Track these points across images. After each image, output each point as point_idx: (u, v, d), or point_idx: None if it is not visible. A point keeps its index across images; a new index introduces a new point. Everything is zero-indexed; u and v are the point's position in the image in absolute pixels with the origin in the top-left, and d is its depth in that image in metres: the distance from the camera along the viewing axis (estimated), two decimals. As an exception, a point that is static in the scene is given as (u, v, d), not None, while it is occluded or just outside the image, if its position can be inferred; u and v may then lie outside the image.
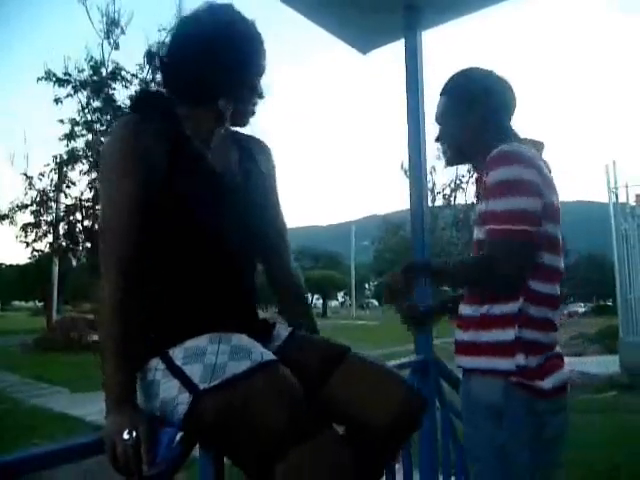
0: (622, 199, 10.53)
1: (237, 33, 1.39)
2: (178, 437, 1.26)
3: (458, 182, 33.07)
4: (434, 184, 32.18)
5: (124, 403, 1.17)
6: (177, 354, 1.24)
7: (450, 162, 1.71)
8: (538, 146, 1.59)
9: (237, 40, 1.39)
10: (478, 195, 1.64)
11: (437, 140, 1.69)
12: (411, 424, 1.47)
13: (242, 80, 1.41)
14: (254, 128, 1.56)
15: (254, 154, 1.55)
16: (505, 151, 1.45)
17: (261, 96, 1.48)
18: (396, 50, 2.64)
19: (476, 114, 1.58)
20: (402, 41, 2.60)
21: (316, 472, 1.14)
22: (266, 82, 1.48)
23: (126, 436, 1.10)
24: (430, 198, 32.95)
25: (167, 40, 1.45)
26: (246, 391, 1.18)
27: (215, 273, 1.38)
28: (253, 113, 1.50)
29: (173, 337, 1.27)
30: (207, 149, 1.43)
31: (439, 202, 32.95)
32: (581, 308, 53.37)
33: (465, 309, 1.57)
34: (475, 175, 1.71)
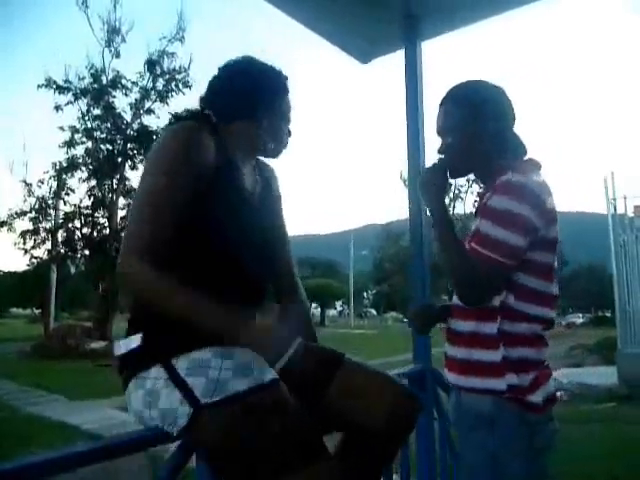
0: (621, 210, 10.55)
1: (266, 73, 1.60)
2: (175, 445, 1.26)
3: (457, 192, 33.26)
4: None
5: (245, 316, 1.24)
6: (181, 365, 1.23)
7: (453, 174, 1.68)
8: (537, 166, 1.60)
9: (265, 79, 1.58)
10: (477, 211, 1.64)
11: (440, 152, 1.69)
12: (407, 424, 1.52)
13: (269, 113, 1.56)
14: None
15: (269, 179, 1.67)
16: (512, 182, 1.46)
17: (289, 134, 1.64)
18: (397, 59, 2.66)
19: (477, 125, 1.58)
20: (402, 51, 2.61)
21: None
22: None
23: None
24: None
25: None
26: (246, 410, 1.18)
27: (231, 286, 1.38)
28: (285, 146, 1.64)
29: (178, 347, 1.26)
30: (243, 167, 1.53)
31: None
32: (579, 319, 53.35)
33: (455, 323, 1.58)
34: (478, 189, 1.73)
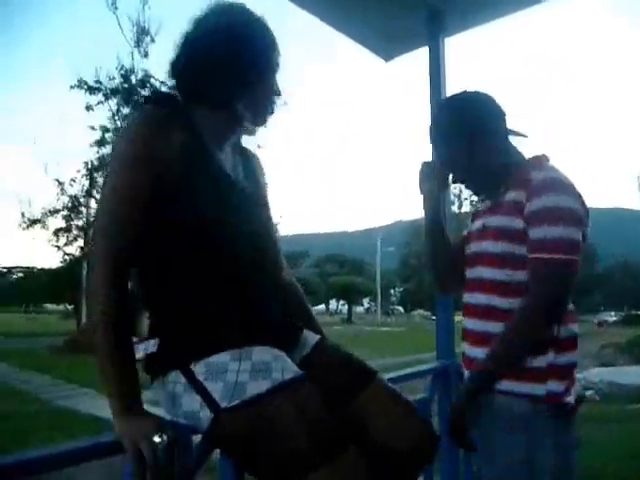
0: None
1: (252, 32, 1.38)
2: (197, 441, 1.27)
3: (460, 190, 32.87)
4: (460, 190, 32.04)
5: (135, 407, 1.14)
6: (199, 369, 1.21)
7: (455, 179, 1.73)
8: (549, 160, 1.60)
9: (253, 40, 1.37)
10: (491, 207, 1.62)
11: (442, 161, 1.71)
12: (426, 457, 1.46)
13: (260, 79, 1.39)
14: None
15: (252, 164, 1.55)
16: (549, 179, 1.46)
17: (278, 93, 1.46)
18: (420, 55, 2.65)
19: (472, 140, 1.58)
20: (426, 48, 2.59)
21: None
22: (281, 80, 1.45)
23: (157, 439, 1.07)
24: (457, 204, 32.82)
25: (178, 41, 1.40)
26: (266, 412, 1.17)
27: (234, 281, 1.34)
28: (272, 112, 1.47)
29: (195, 350, 1.24)
30: (220, 153, 1.40)
31: (466, 208, 32.74)
32: (611, 317, 52.33)
33: (481, 325, 1.55)
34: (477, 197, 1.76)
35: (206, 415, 1.18)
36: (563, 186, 1.45)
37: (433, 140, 1.70)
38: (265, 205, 1.54)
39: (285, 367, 1.24)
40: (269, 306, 1.39)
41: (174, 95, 1.42)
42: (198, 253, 1.30)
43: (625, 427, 6.23)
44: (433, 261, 1.81)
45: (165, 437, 1.08)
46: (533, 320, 1.42)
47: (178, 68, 1.40)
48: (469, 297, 1.62)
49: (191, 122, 1.33)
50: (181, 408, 1.23)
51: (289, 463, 1.15)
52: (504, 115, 1.63)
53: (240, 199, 1.38)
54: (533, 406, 1.44)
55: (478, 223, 1.66)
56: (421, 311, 66.00)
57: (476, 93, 1.65)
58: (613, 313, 55.95)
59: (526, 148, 1.65)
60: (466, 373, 1.61)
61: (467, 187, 1.72)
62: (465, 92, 1.67)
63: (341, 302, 63.65)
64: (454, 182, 1.74)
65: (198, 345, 1.25)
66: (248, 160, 1.54)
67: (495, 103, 1.63)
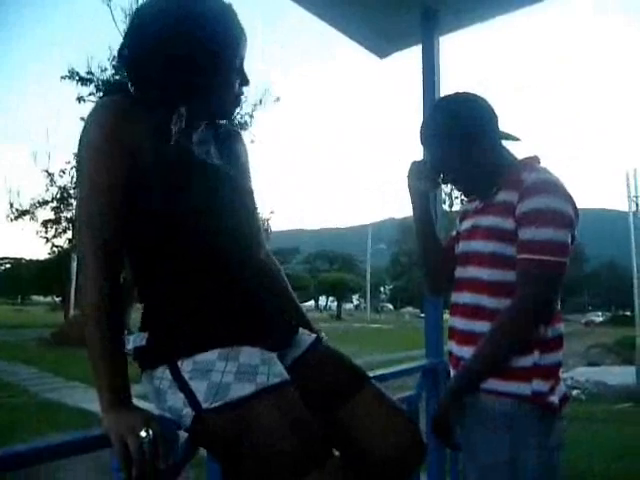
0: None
1: (206, 12, 1.25)
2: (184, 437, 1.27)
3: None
4: (452, 189, 32.17)
5: (125, 401, 1.14)
6: (185, 367, 1.19)
7: (465, 192, 1.75)
8: (539, 162, 1.61)
9: (206, 19, 1.24)
10: (482, 207, 1.62)
11: (434, 166, 1.70)
12: (412, 465, 1.44)
13: (216, 65, 1.27)
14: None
15: (231, 144, 1.46)
16: (542, 180, 1.47)
17: (245, 83, 1.35)
18: (414, 53, 2.65)
19: (465, 141, 1.59)
20: (420, 46, 2.60)
21: None
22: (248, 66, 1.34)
23: (143, 434, 1.07)
24: (448, 203, 32.96)
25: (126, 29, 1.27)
26: (248, 415, 1.14)
27: (222, 274, 1.31)
28: (238, 103, 1.38)
29: (183, 348, 1.22)
30: (190, 142, 1.31)
31: (457, 207, 32.85)
32: (598, 317, 52.78)
33: (476, 325, 1.54)
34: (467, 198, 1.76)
35: (188, 413, 1.16)
36: (554, 188, 1.46)
37: (425, 140, 1.69)
38: (245, 186, 1.44)
39: (272, 371, 1.21)
40: (261, 305, 1.35)
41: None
42: (181, 245, 1.27)
43: (611, 427, 6.30)
44: (423, 261, 1.82)
45: (151, 432, 1.07)
46: (520, 320, 1.43)
47: (123, 56, 1.30)
48: (457, 296, 1.63)
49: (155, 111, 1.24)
50: (166, 403, 1.21)
51: (270, 468, 1.13)
52: (496, 117, 1.63)
53: (215, 184, 1.31)
54: (518, 405, 1.44)
55: (468, 223, 1.66)
56: (410, 309, 66.19)
57: (469, 94, 1.65)
58: (600, 313, 56.48)
59: (516, 148, 1.66)
60: (452, 372, 1.62)
61: (457, 188, 1.72)
62: (458, 93, 1.67)
63: (330, 299, 63.68)
64: (444, 182, 1.74)
65: (186, 342, 1.23)
66: (226, 140, 1.45)
67: (488, 105, 1.63)
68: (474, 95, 1.65)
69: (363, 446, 1.36)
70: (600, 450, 4.96)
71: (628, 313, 44.09)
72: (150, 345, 1.24)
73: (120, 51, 1.29)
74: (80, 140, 1.22)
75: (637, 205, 10.31)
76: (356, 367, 1.47)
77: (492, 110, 1.63)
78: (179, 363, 1.20)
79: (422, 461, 1.46)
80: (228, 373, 1.17)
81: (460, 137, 1.58)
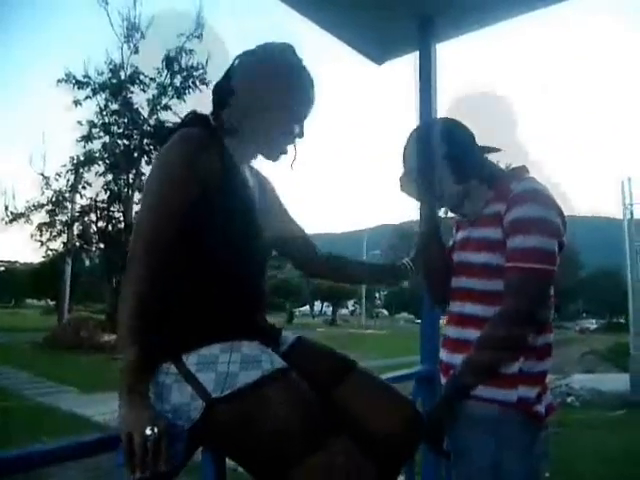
0: (638, 216, 10.46)
1: (280, 69, 1.47)
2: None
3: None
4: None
5: (140, 396, 1.15)
6: (191, 360, 1.24)
7: (453, 209, 1.76)
8: (528, 172, 1.63)
9: (277, 75, 1.46)
10: (474, 220, 1.64)
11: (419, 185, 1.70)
12: (411, 443, 1.50)
13: (270, 110, 1.46)
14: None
15: (264, 183, 1.65)
16: (530, 190, 1.49)
17: (298, 136, 1.54)
18: (412, 60, 2.65)
19: (455, 161, 1.62)
20: (417, 52, 2.60)
21: (332, 478, 1.17)
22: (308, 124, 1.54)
23: (149, 432, 1.08)
24: (442, 210, 32.98)
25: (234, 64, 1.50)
26: (259, 399, 1.20)
27: (236, 283, 1.39)
28: (284, 151, 1.55)
29: (187, 342, 1.27)
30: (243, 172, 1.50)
31: (451, 214, 32.93)
32: (593, 324, 52.92)
33: (465, 332, 1.56)
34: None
35: (198, 406, 1.20)
36: (541, 197, 1.48)
37: (412, 164, 1.69)
38: (278, 211, 1.70)
39: (273, 359, 1.30)
40: (258, 308, 1.47)
41: (207, 117, 1.49)
42: (206, 256, 1.35)
43: (605, 434, 6.30)
44: (427, 273, 1.80)
45: (156, 430, 1.09)
46: (507, 328, 1.44)
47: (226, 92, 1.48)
48: (452, 306, 1.65)
49: (223, 142, 1.43)
50: (169, 402, 1.24)
51: (285, 448, 1.17)
52: (473, 136, 1.67)
53: (254, 212, 1.47)
54: (503, 411, 1.45)
55: (461, 234, 1.69)
56: (405, 314, 66.23)
57: (448, 119, 1.71)
58: (594, 320, 56.60)
59: (511, 157, 1.67)
60: (443, 380, 1.63)
61: (445, 205, 1.74)
62: (438, 119, 1.75)
63: (325, 304, 63.65)
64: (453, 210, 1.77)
65: (190, 337, 1.29)
66: (261, 180, 1.64)
67: (463, 126, 1.67)
68: (451, 119, 1.70)
69: (360, 424, 1.40)
70: (594, 457, 4.97)
71: (622, 320, 44.23)
72: (154, 343, 1.26)
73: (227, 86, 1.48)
74: (155, 167, 1.37)
75: (631, 213, 10.35)
76: (342, 355, 1.55)
77: (469, 131, 1.67)
78: (184, 358, 1.25)
79: (420, 434, 1.51)
80: (234, 363, 1.24)
81: (448, 158, 1.62)
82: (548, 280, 1.45)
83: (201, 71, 19.01)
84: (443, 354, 1.65)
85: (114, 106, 18.59)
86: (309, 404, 1.24)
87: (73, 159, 18.59)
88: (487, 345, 1.45)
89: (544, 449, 1.54)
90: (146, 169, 18.90)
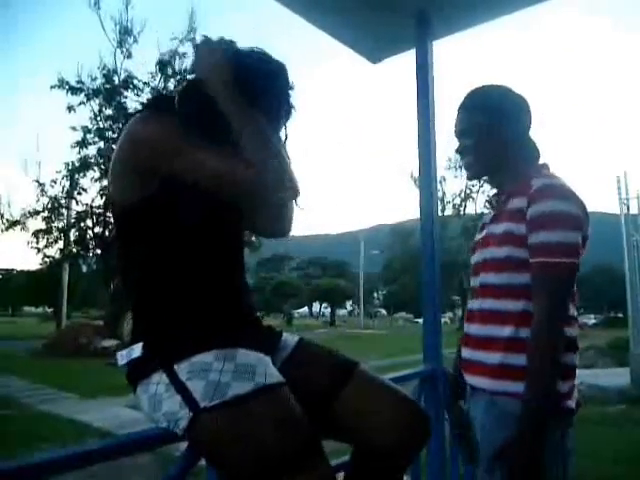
0: (634, 210, 10.48)
1: (254, 67, 1.41)
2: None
3: (468, 192, 33.15)
4: (444, 193, 32.28)
5: None
6: (182, 369, 1.22)
7: (475, 176, 1.75)
8: (550, 169, 1.63)
9: (253, 70, 1.39)
10: (495, 216, 1.65)
11: (459, 152, 1.71)
12: (418, 442, 1.48)
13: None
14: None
15: None
16: (552, 185, 1.50)
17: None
18: (408, 58, 2.65)
19: (496, 129, 1.62)
20: (413, 51, 2.60)
21: None
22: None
23: None
24: (440, 207, 33.02)
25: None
26: (246, 413, 1.17)
27: (219, 280, 1.38)
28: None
29: (179, 351, 1.25)
30: None
31: (449, 212, 32.95)
32: (591, 320, 52.96)
33: (484, 329, 1.57)
34: (493, 191, 1.77)
35: (185, 414, 1.18)
36: (562, 191, 1.48)
37: (463, 128, 1.70)
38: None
39: (268, 372, 1.25)
40: (251, 312, 1.46)
41: (172, 97, 1.43)
42: (184, 254, 1.33)
43: (605, 430, 6.30)
44: None
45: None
46: (551, 325, 1.42)
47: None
48: (472, 303, 1.65)
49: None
50: (161, 411, 1.22)
51: (265, 467, 1.15)
52: (525, 110, 1.67)
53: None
54: None
55: (483, 233, 1.69)
56: (404, 314, 66.22)
57: (500, 86, 1.70)
58: (593, 316, 56.62)
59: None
60: (470, 379, 1.61)
61: (478, 170, 1.73)
62: (486, 85, 1.71)
63: (324, 305, 63.63)
64: (473, 177, 1.77)
65: (182, 345, 1.26)
66: None
67: (516, 97, 1.67)
68: (502, 87, 1.69)
69: (366, 425, 1.40)
70: (594, 453, 4.95)
71: (621, 315, 44.29)
72: (146, 353, 1.26)
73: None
74: (117, 144, 1.34)
75: (628, 208, 10.37)
76: (344, 357, 1.52)
77: (520, 103, 1.66)
78: (175, 366, 1.22)
79: (428, 433, 1.50)
80: (226, 372, 1.20)
81: (479, 127, 1.63)
82: (574, 273, 1.46)
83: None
84: (465, 351, 1.65)
85: (108, 111, 18.54)
86: (295, 423, 1.21)
87: (68, 165, 18.54)
88: (540, 355, 1.41)
89: (573, 444, 1.51)
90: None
